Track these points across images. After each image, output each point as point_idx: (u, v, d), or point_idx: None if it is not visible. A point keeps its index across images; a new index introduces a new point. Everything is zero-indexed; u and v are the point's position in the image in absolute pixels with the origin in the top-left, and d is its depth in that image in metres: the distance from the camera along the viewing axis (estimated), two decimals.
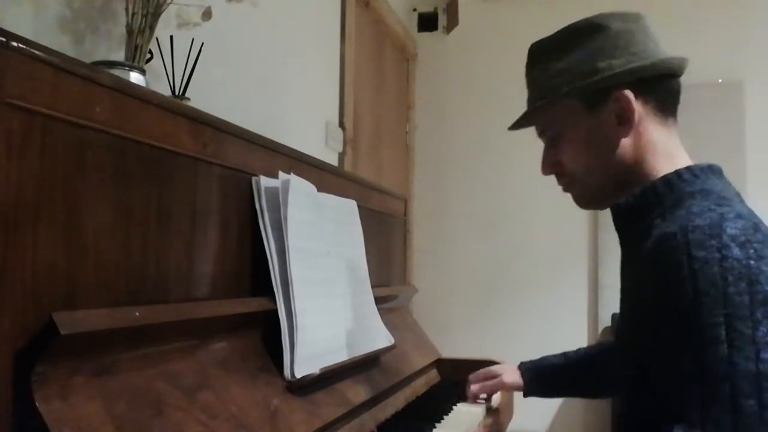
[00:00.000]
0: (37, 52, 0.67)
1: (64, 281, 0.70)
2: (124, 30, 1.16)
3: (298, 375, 1.02)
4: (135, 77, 1.06)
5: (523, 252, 3.29)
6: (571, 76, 0.96)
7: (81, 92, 0.72)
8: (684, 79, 0.99)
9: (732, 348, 0.74)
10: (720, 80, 3.08)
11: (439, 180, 3.43)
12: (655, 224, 0.87)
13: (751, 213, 0.85)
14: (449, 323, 3.26)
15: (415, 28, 3.49)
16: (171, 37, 1.29)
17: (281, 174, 1.13)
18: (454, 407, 1.46)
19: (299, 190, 1.16)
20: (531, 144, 3.70)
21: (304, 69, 2.11)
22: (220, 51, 1.52)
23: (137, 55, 1.15)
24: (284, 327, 1.05)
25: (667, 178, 0.92)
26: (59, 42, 1.12)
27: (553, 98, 0.98)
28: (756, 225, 0.81)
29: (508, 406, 1.68)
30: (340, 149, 2.36)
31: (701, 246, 0.77)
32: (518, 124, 1.08)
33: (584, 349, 1.41)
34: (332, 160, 2.28)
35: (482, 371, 1.50)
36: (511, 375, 1.43)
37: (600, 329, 3.16)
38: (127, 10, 1.15)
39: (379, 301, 1.50)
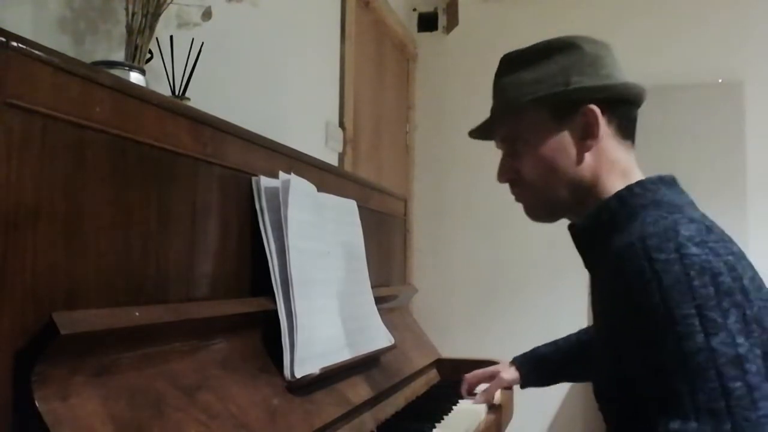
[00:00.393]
0: (37, 52, 0.67)
1: (64, 281, 0.70)
2: (124, 30, 1.16)
3: (298, 375, 1.02)
4: (135, 77, 1.06)
5: (523, 252, 3.28)
6: (543, 86, 0.98)
7: (81, 92, 0.72)
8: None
9: (709, 336, 0.75)
10: (720, 80, 3.08)
11: (439, 180, 3.43)
12: (613, 239, 0.90)
13: (704, 217, 0.89)
14: (449, 323, 3.26)
15: (415, 28, 3.49)
16: (171, 37, 1.29)
17: (281, 174, 1.13)
18: (454, 407, 1.46)
19: (299, 190, 1.16)
20: None
21: (304, 69, 2.11)
22: (220, 51, 1.52)
23: (137, 55, 1.15)
24: (284, 327, 1.05)
25: (619, 195, 0.94)
26: (59, 42, 1.12)
27: (523, 105, 0.99)
28: (709, 227, 0.84)
29: (508, 406, 1.68)
30: (340, 149, 2.36)
31: (659, 249, 0.80)
32: (480, 131, 1.08)
33: (575, 334, 1.48)
34: (332, 160, 2.28)
35: (480, 372, 1.56)
36: (508, 371, 1.50)
37: None
38: (127, 10, 1.15)
39: (379, 301, 1.50)
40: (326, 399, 1.10)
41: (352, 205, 1.46)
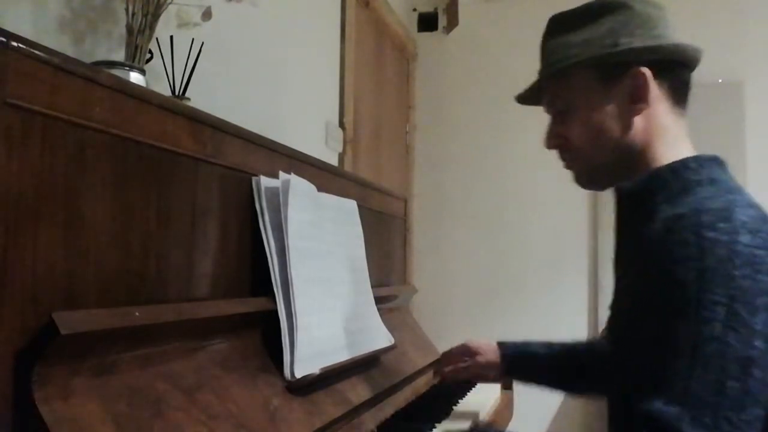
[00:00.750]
0: (37, 52, 0.67)
1: (64, 281, 0.70)
2: (124, 30, 1.16)
3: (298, 375, 1.02)
4: (135, 77, 1.06)
5: (523, 252, 3.28)
6: (591, 48, 0.94)
7: (81, 92, 0.72)
8: None
9: (727, 328, 0.74)
10: (720, 80, 3.08)
11: (439, 180, 3.42)
12: (660, 209, 0.87)
13: (760, 206, 0.85)
14: (449, 323, 3.25)
15: (415, 28, 3.49)
16: (171, 37, 1.29)
17: (281, 174, 1.13)
18: (454, 407, 1.46)
19: (299, 190, 1.16)
20: (531, 144, 3.68)
21: (304, 69, 2.11)
22: (220, 51, 1.52)
23: (137, 55, 1.15)
24: (284, 327, 1.05)
25: (673, 167, 0.91)
26: (59, 42, 1.12)
27: (570, 66, 0.96)
28: (765, 217, 0.81)
29: (507, 407, 1.68)
30: (340, 149, 2.36)
31: (711, 227, 0.77)
32: (527, 95, 1.05)
33: (571, 343, 1.37)
34: (332, 160, 2.28)
35: (457, 348, 1.42)
36: (488, 355, 1.37)
37: (600, 329, 3.15)
38: (127, 10, 1.15)
39: (379, 301, 1.50)
40: (326, 399, 1.10)
41: (352, 205, 1.46)
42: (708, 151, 0.94)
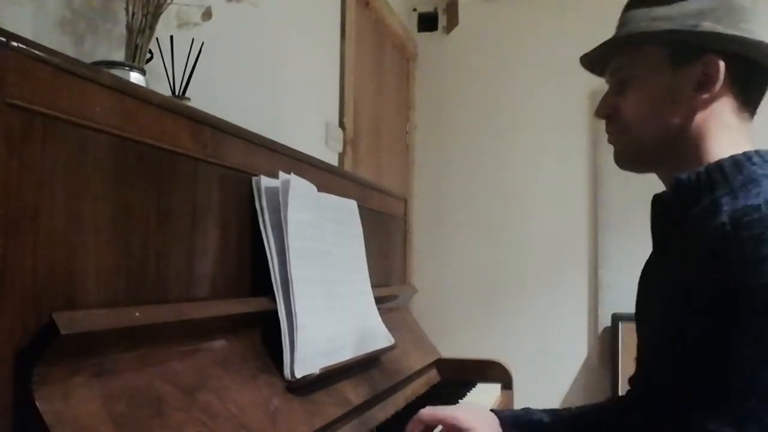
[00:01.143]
0: (37, 52, 0.67)
1: (64, 281, 0.70)
2: (124, 30, 1.16)
3: (298, 375, 1.02)
4: (135, 77, 1.06)
5: (523, 252, 3.29)
6: (672, 24, 0.88)
7: (81, 92, 0.72)
8: None
9: None
10: None
11: (439, 180, 3.43)
12: (723, 201, 0.80)
13: None
14: (449, 323, 3.26)
15: (415, 28, 3.49)
16: (171, 37, 1.29)
17: (281, 174, 1.13)
18: None
19: (299, 190, 1.16)
20: (531, 144, 3.66)
21: (304, 69, 2.11)
22: (220, 51, 1.52)
23: (137, 55, 1.14)
24: (284, 327, 1.05)
25: (735, 158, 0.85)
26: (59, 42, 1.12)
27: (644, 37, 0.91)
28: None
29: (507, 407, 1.68)
30: (340, 149, 2.36)
31: None
32: (592, 59, 0.99)
33: (575, 408, 1.11)
34: (332, 160, 2.28)
35: (447, 415, 1.00)
36: (484, 429, 1.00)
37: (600, 329, 3.16)
38: (127, 10, 1.15)
39: (379, 301, 1.50)
40: (326, 399, 1.10)
41: (352, 205, 1.46)
42: None
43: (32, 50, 0.66)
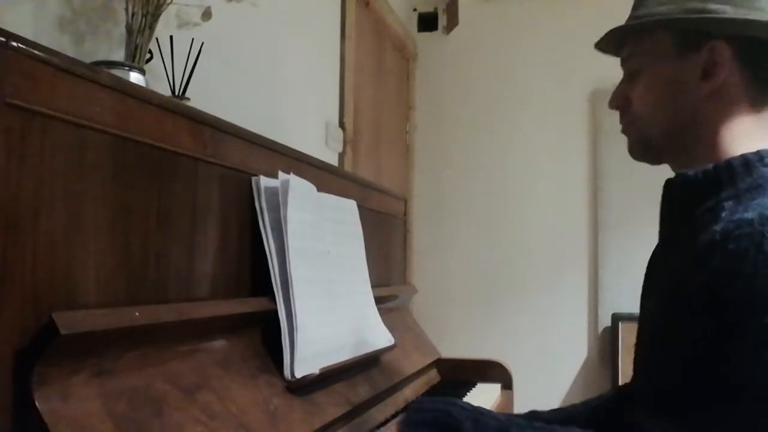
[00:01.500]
0: (37, 52, 0.67)
1: (64, 281, 0.70)
2: (124, 30, 1.16)
3: (298, 375, 1.02)
4: (135, 77, 1.06)
5: (523, 252, 3.29)
6: (677, 9, 0.84)
7: (81, 92, 0.72)
8: None
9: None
10: None
11: (439, 180, 3.43)
12: (725, 206, 0.77)
13: None
14: (449, 323, 3.26)
15: (415, 28, 3.49)
16: (171, 37, 1.29)
17: (281, 174, 1.13)
18: None
19: (299, 190, 1.16)
20: (531, 144, 3.66)
21: (304, 69, 2.11)
22: (220, 51, 1.52)
23: (137, 55, 1.14)
24: (284, 327, 1.05)
25: (746, 158, 0.80)
26: (59, 42, 1.12)
27: (648, 26, 0.87)
28: None
29: (507, 407, 1.68)
30: (340, 149, 2.36)
31: None
32: (609, 39, 0.94)
33: (579, 403, 1.13)
34: (332, 160, 2.28)
35: None
36: None
37: (600, 329, 3.16)
38: (127, 10, 1.15)
39: (379, 301, 1.50)
40: (326, 399, 1.10)
41: (352, 205, 1.46)
42: None
43: (32, 50, 0.66)
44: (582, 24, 2.96)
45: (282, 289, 1.07)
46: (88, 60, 1.00)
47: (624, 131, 0.94)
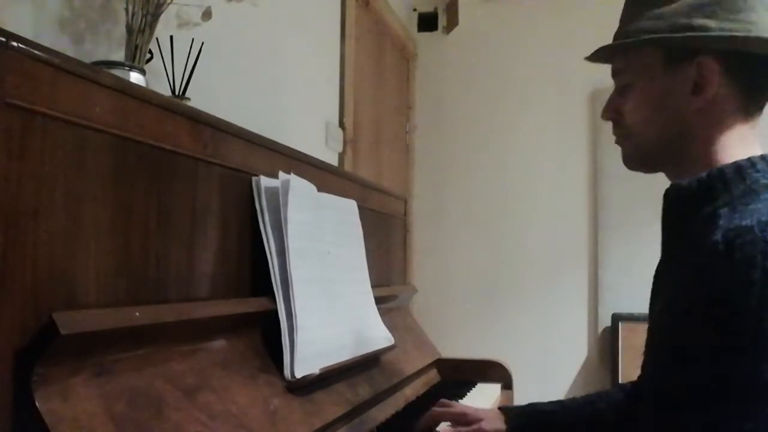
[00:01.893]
0: (37, 52, 0.67)
1: (64, 281, 0.70)
2: (124, 30, 1.16)
3: (298, 375, 1.02)
4: (135, 77, 1.06)
5: (523, 252, 3.29)
6: (663, 25, 0.85)
7: (81, 92, 0.72)
8: None
9: None
10: None
11: (439, 180, 3.43)
12: (721, 214, 0.77)
13: None
14: (449, 323, 3.26)
15: (415, 28, 3.49)
16: (171, 37, 1.29)
17: (281, 174, 1.13)
18: None
19: (299, 190, 1.16)
20: (531, 144, 3.66)
21: (304, 69, 2.11)
22: (220, 51, 1.52)
23: (137, 55, 1.14)
24: (284, 327, 1.05)
25: (738, 165, 0.81)
26: (59, 42, 1.12)
27: (635, 41, 0.88)
28: None
29: None
30: (340, 149, 2.36)
31: None
32: (599, 55, 0.95)
33: (582, 397, 1.19)
34: (332, 160, 2.28)
35: (455, 412, 1.19)
36: (492, 422, 1.15)
37: (600, 329, 3.16)
38: (127, 10, 1.15)
39: (379, 301, 1.50)
40: (326, 399, 1.10)
41: (352, 205, 1.46)
42: None
43: (32, 50, 0.66)
44: (582, 24, 2.96)
45: (282, 289, 1.07)
46: (88, 60, 1.00)
47: (618, 142, 0.95)
